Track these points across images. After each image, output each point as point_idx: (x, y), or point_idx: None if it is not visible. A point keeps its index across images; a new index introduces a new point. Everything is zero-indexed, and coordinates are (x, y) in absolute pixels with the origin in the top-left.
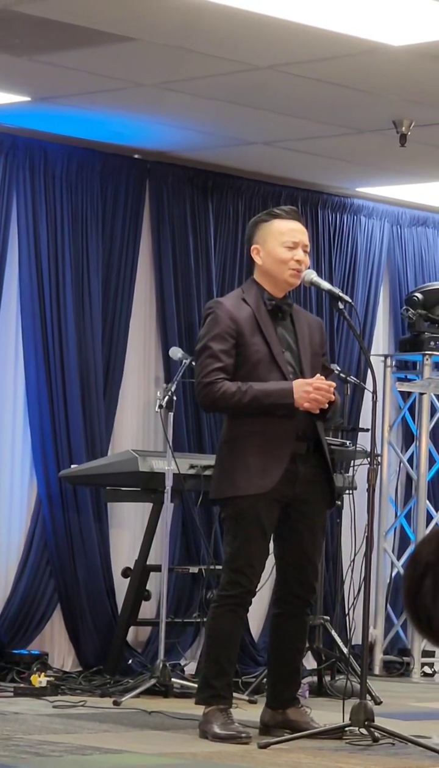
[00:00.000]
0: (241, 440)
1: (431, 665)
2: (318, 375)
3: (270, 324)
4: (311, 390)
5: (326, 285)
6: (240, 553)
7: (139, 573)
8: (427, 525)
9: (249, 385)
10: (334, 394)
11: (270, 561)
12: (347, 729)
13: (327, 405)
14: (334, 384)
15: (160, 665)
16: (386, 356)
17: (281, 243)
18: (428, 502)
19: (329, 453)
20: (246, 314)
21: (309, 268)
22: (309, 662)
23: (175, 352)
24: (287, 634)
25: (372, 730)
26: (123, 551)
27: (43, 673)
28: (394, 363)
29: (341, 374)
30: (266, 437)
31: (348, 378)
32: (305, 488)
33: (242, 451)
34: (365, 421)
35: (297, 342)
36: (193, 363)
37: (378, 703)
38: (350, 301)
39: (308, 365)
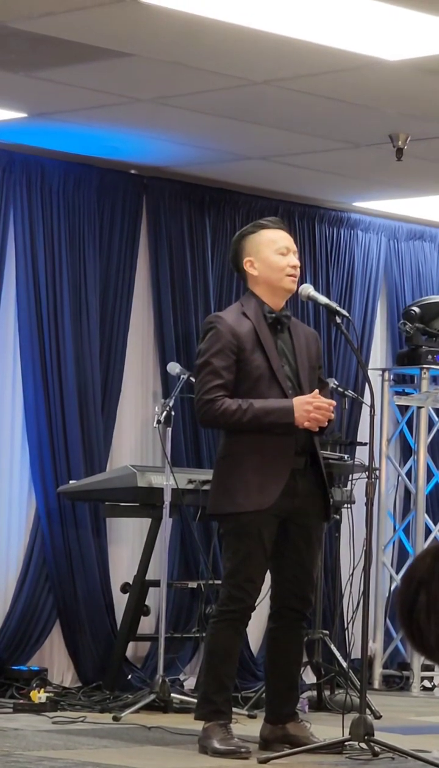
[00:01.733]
0: (239, 456)
1: (430, 679)
2: (316, 392)
3: (270, 338)
4: (311, 409)
5: (323, 299)
6: (240, 568)
7: (138, 588)
8: (426, 538)
9: (249, 403)
10: (332, 412)
11: (267, 575)
12: (346, 743)
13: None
14: (334, 402)
15: (160, 680)
16: (383, 370)
17: (275, 250)
18: (426, 515)
19: (324, 466)
20: (247, 329)
21: (306, 282)
22: (308, 677)
23: (173, 368)
24: (284, 648)
25: (372, 744)
26: (122, 566)
27: (42, 689)
28: (392, 377)
29: (339, 388)
30: (265, 453)
31: (346, 392)
32: (303, 502)
33: (240, 468)
34: (363, 435)
35: (295, 356)
36: (192, 378)
37: (378, 717)
38: (347, 315)
39: (306, 379)
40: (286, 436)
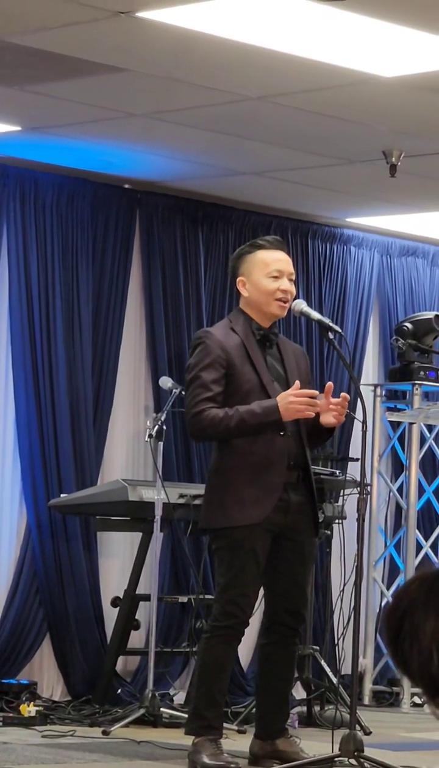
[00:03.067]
0: (232, 470)
1: (420, 695)
2: (297, 384)
3: (259, 353)
4: (297, 400)
5: (316, 315)
6: (234, 583)
7: (129, 602)
8: (416, 554)
9: (235, 409)
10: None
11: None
12: (336, 759)
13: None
14: (315, 392)
15: (149, 695)
16: (375, 386)
17: (266, 274)
18: (417, 531)
19: (316, 482)
20: (235, 343)
21: (298, 297)
22: (298, 692)
23: (165, 382)
24: (275, 664)
25: (362, 760)
26: (112, 580)
27: (32, 703)
28: (384, 392)
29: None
30: (257, 467)
31: None
32: (295, 517)
33: (233, 482)
34: (354, 450)
35: (286, 371)
36: (183, 393)
37: (368, 733)
38: (339, 331)
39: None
40: (279, 448)
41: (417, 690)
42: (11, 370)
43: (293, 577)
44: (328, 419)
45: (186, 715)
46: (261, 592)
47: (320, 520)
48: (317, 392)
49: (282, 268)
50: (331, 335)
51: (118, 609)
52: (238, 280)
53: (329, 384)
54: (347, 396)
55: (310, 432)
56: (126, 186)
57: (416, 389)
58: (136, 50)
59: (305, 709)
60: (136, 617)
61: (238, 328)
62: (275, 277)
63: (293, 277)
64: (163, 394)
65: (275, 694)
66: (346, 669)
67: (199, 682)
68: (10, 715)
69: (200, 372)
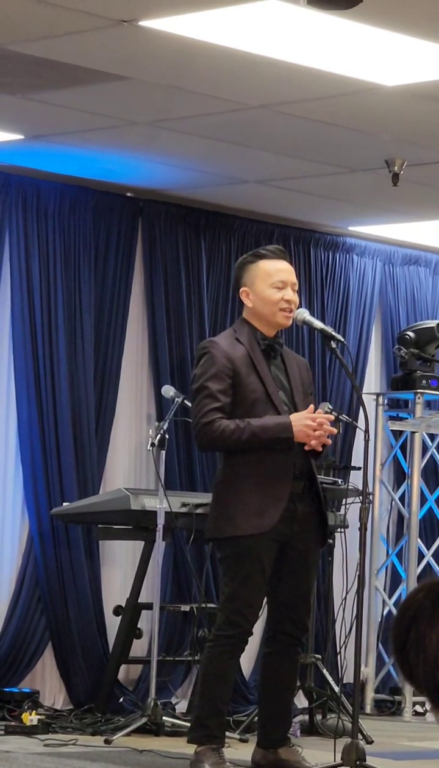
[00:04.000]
0: (238, 480)
1: (422, 704)
2: (311, 407)
3: (264, 363)
4: (314, 426)
5: (318, 324)
6: (239, 593)
7: (131, 611)
8: (418, 563)
9: (247, 422)
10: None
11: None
12: None
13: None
14: (331, 417)
15: (152, 704)
16: (378, 395)
17: (270, 284)
18: (419, 540)
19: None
20: (241, 353)
21: (301, 306)
22: (300, 701)
23: (168, 391)
24: (278, 673)
25: None
26: (114, 589)
27: (34, 711)
28: (386, 401)
29: (333, 412)
30: (264, 477)
31: (340, 416)
32: (301, 527)
33: (240, 491)
34: (356, 459)
35: (289, 381)
36: (186, 402)
37: (370, 742)
38: (342, 340)
39: (301, 404)
40: (284, 459)
41: (419, 699)
42: (13, 379)
43: (298, 586)
44: (314, 443)
45: (188, 724)
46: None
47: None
48: (332, 417)
49: (285, 278)
50: (333, 344)
51: (120, 618)
52: (241, 290)
53: (312, 406)
54: (332, 418)
55: None
56: (128, 194)
57: (418, 398)
58: (138, 59)
59: (307, 717)
60: (139, 626)
61: (243, 338)
62: (279, 288)
63: (296, 287)
64: (166, 403)
65: (278, 703)
66: (348, 678)
67: (202, 691)
68: (12, 723)
69: (207, 382)
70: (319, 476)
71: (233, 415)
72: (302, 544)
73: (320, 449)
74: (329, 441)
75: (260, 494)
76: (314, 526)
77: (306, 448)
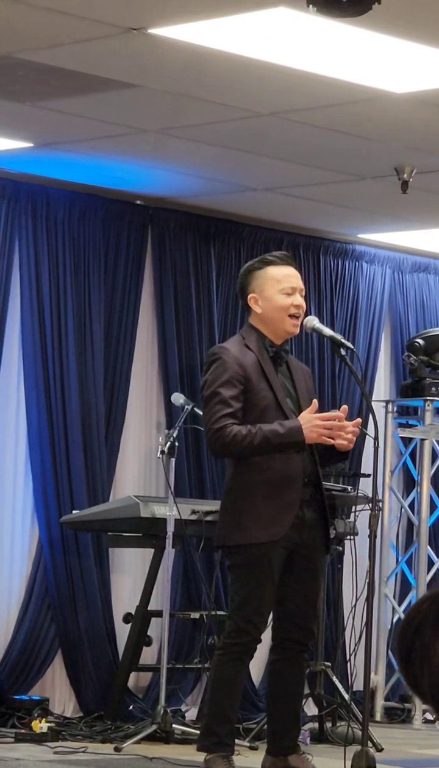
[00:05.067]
0: (249, 488)
1: (432, 712)
2: (315, 403)
3: (273, 370)
4: (323, 424)
5: (327, 331)
6: (250, 601)
7: (141, 618)
8: (428, 570)
9: (258, 427)
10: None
11: None
12: None
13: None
14: (340, 415)
15: (161, 711)
16: (387, 402)
17: (279, 290)
18: (429, 547)
19: (328, 498)
20: (251, 360)
21: (310, 314)
22: (310, 708)
23: (177, 398)
24: (286, 680)
25: None
26: (124, 597)
27: (43, 719)
28: (395, 408)
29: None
30: (275, 485)
31: None
32: (308, 534)
33: (250, 499)
34: (366, 466)
35: (295, 388)
36: (196, 409)
37: (380, 750)
38: (351, 347)
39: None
40: (295, 466)
41: (428, 707)
42: (23, 387)
43: (305, 593)
44: (340, 442)
45: (198, 732)
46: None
47: (332, 536)
48: (341, 415)
49: (294, 284)
50: (343, 351)
51: (130, 625)
52: (250, 297)
53: (345, 407)
54: (360, 420)
55: (322, 452)
56: (138, 202)
57: (428, 405)
58: (148, 66)
59: (317, 725)
60: (148, 633)
61: (252, 345)
62: (288, 294)
63: (304, 293)
64: (175, 411)
65: (287, 711)
66: (358, 685)
67: (211, 698)
68: (22, 731)
69: (219, 388)
70: (328, 483)
71: (244, 421)
72: (309, 551)
73: (348, 447)
74: (353, 439)
75: (271, 502)
76: (319, 532)
77: (336, 446)
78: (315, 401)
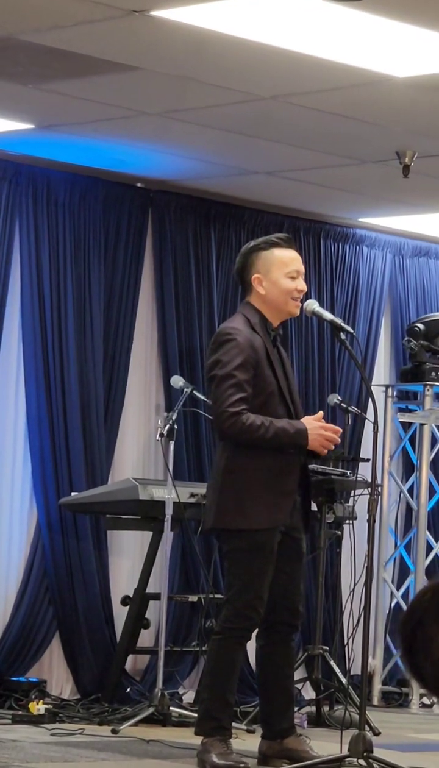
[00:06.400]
0: (249, 472)
1: (429, 696)
2: (321, 414)
3: (275, 354)
4: (325, 434)
5: (328, 315)
6: (252, 586)
7: (139, 601)
8: (427, 555)
9: (270, 422)
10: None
11: None
12: (345, 760)
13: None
14: (339, 430)
15: (159, 694)
16: (387, 386)
17: (285, 273)
18: (428, 532)
19: (327, 482)
20: (259, 344)
21: (310, 297)
22: (308, 692)
23: (177, 381)
24: (277, 663)
25: (371, 761)
26: (122, 579)
27: (41, 701)
28: (395, 393)
29: (342, 404)
30: (275, 471)
31: (349, 408)
32: (298, 517)
33: (252, 483)
34: (365, 451)
35: (285, 373)
36: (195, 392)
37: (377, 734)
38: (351, 331)
39: (296, 397)
40: (293, 453)
41: (426, 691)
42: (22, 369)
43: (292, 575)
44: (324, 452)
45: (195, 715)
46: None
47: (331, 521)
48: (340, 430)
49: (299, 268)
50: (343, 335)
51: (127, 608)
52: (253, 277)
53: (320, 413)
54: (339, 429)
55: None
56: (138, 185)
57: (428, 390)
58: (149, 49)
59: (314, 709)
60: (146, 616)
61: (257, 327)
62: (293, 277)
63: (303, 277)
64: (175, 393)
65: (281, 693)
66: (355, 669)
67: (211, 683)
68: (19, 712)
69: (234, 371)
70: (327, 468)
71: (252, 405)
72: (296, 533)
73: (325, 453)
74: (333, 447)
75: (273, 488)
76: (302, 515)
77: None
78: (321, 412)
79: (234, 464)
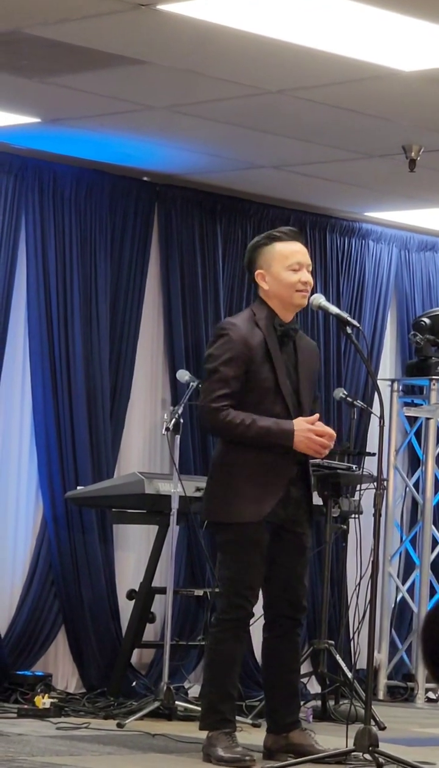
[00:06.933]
0: (239, 466)
1: (435, 691)
2: (316, 416)
3: (278, 351)
4: (312, 437)
5: (334, 309)
6: (241, 576)
7: (144, 595)
8: (432, 550)
9: (253, 419)
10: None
11: None
12: (351, 754)
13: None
14: (333, 434)
15: (164, 688)
16: (392, 381)
17: (286, 266)
18: (433, 526)
19: (332, 476)
20: (258, 340)
21: (316, 292)
22: (313, 686)
23: (183, 375)
24: (281, 656)
25: (376, 755)
26: (128, 573)
27: (46, 695)
28: (401, 387)
29: (348, 398)
30: (264, 465)
31: (355, 402)
32: (295, 510)
33: (241, 477)
34: (371, 445)
35: (297, 370)
36: (201, 386)
37: (382, 728)
38: (357, 325)
39: (306, 395)
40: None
41: (432, 685)
42: (29, 363)
43: (293, 569)
44: (318, 456)
45: (200, 709)
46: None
47: (337, 515)
48: (332, 433)
49: (301, 260)
50: (349, 330)
51: (133, 602)
52: (256, 273)
53: (317, 415)
54: (334, 434)
55: None
56: (145, 179)
57: (433, 384)
58: (156, 43)
59: (319, 703)
60: (152, 610)
61: (261, 322)
62: (295, 270)
63: (311, 268)
64: (181, 387)
65: (285, 687)
66: (361, 664)
67: (211, 676)
68: (25, 706)
69: (221, 366)
70: (333, 462)
71: (244, 402)
72: (297, 527)
73: (319, 457)
74: (325, 452)
75: (257, 482)
76: (304, 509)
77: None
78: (317, 414)
79: (225, 458)
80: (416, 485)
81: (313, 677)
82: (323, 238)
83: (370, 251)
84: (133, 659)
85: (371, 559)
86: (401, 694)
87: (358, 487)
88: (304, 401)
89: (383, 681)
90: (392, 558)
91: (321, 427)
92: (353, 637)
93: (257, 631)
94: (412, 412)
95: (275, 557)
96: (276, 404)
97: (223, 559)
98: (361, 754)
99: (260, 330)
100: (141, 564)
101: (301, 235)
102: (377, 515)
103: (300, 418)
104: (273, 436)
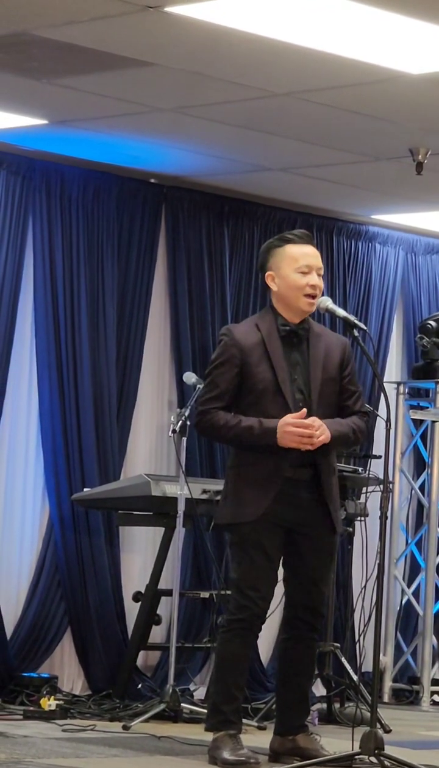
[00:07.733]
0: (240, 468)
1: None
2: (303, 412)
3: (280, 351)
4: (294, 431)
5: (341, 312)
6: (244, 577)
7: (150, 597)
8: (438, 552)
9: (238, 420)
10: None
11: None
12: (356, 757)
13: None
14: (315, 425)
15: (170, 690)
16: (399, 383)
17: (295, 269)
18: (438, 529)
19: (332, 479)
20: (255, 342)
21: (324, 294)
22: (319, 689)
23: (189, 377)
24: (294, 659)
25: (382, 758)
26: (134, 575)
27: (52, 697)
28: (407, 390)
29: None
30: (260, 466)
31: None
32: (308, 513)
33: (242, 480)
34: (377, 448)
35: (309, 368)
36: None
37: (388, 731)
38: (364, 328)
39: (316, 392)
40: (283, 450)
41: (438, 688)
42: (35, 365)
43: (308, 572)
44: (307, 447)
45: (206, 711)
46: (280, 586)
47: (343, 517)
48: (313, 424)
49: (311, 263)
50: (356, 332)
51: (139, 604)
52: (267, 274)
53: (304, 411)
54: (316, 425)
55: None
56: (152, 181)
57: None
58: (164, 45)
59: (325, 706)
60: (158, 612)
61: (262, 325)
62: (304, 272)
63: (322, 272)
64: (187, 390)
65: (295, 690)
66: (366, 666)
67: (217, 677)
68: (31, 708)
69: (213, 369)
70: (339, 464)
71: (241, 403)
72: (310, 530)
73: (306, 449)
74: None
75: (257, 482)
76: (320, 513)
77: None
78: (304, 410)
79: (233, 462)
80: (421, 488)
81: (318, 680)
82: (330, 240)
83: (377, 254)
84: (139, 661)
85: (377, 561)
86: (407, 697)
87: (364, 490)
88: (314, 400)
89: (388, 684)
90: (398, 560)
91: (301, 421)
92: (359, 640)
93: (263, 634)
94: (418, 415)
95: (290, 560)
96: (275, 404)
97: (231, 561)
98: (366, 757)
99: (260, 332)
100: (147, 566)
101: (312, 239)
102: (383, 518)
103: (287, 415)
104: (256, 435)
